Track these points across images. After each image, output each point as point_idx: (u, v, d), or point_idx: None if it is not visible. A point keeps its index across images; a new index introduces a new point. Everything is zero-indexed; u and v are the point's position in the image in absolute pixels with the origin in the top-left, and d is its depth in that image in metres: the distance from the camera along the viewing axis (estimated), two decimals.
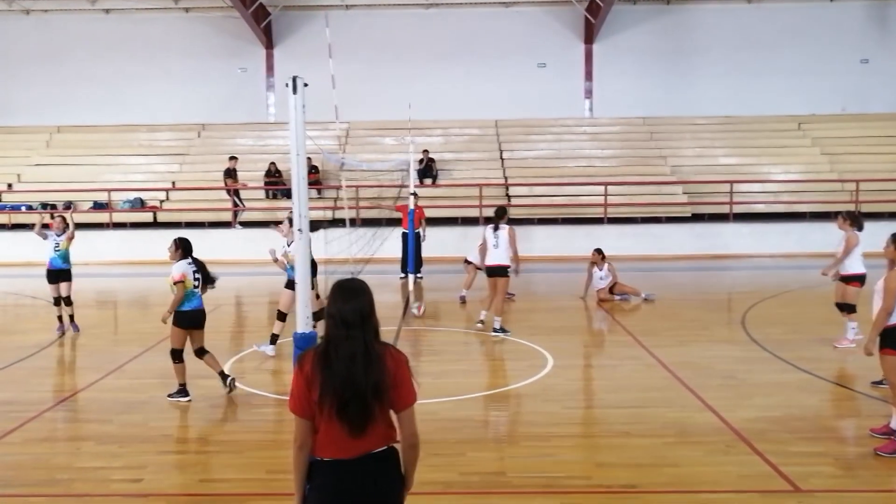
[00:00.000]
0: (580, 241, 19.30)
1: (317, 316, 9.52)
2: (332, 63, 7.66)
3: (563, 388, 8.26)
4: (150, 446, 6.48)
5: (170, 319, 7.64)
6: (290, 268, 9.05)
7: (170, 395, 7.80)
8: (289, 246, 9.26)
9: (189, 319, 7.70)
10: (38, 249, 17.93)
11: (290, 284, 9.16)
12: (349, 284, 3.44)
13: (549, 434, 6.70)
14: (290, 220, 9.04)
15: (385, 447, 3.36)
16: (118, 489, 5.60)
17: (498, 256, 10.52)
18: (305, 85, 3.90)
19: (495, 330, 10.59)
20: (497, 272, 10.59)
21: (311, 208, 16.67)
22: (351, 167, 10.28)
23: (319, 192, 20.79)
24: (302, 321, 4.09)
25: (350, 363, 3.25)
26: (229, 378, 7.97)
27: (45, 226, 10.98)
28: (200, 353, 7.96)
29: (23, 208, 20.69)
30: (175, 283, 7.56)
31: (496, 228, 10.54)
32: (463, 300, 13.38)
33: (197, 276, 7.72)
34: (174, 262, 7.73)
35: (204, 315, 7.90)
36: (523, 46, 24.50)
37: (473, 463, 6.04)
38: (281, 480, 5.65)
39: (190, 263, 7.75)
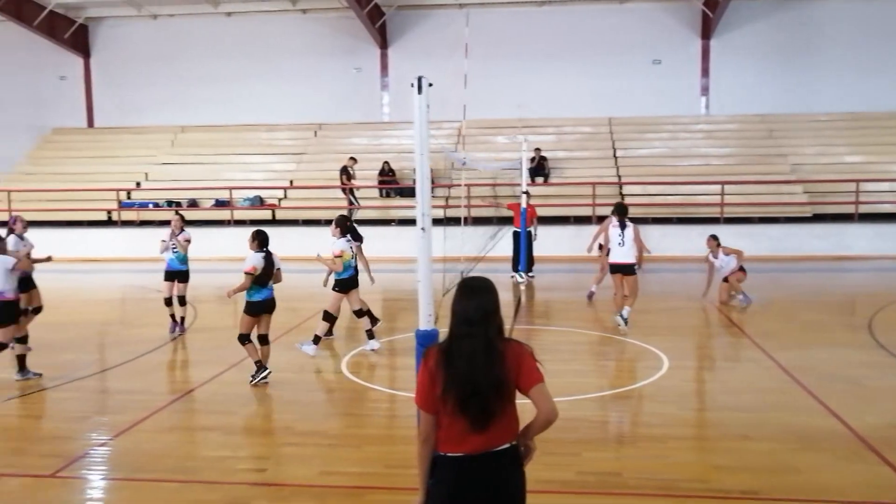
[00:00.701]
0: (695, 240, 18.68)
1: (358, 314, 9.75)
2: (454, 61, 7.71)
3: (678, 390, 8.04)
4: (272, 438, 6.69)
5: (242, 301, 8.29)
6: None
7: (252, 378, 8.14)
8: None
9: (259, 308, 8.21)
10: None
11: (339, 285, 9.40)
12: (474, 282, 3.46)
13: (665, 436, 6.54)
14: (338, 222, 9.48)
15: (507, 444, 3.35)
16: (244, 478, 5.80)
17: (624, 254, 10.61)
18: (430, 85, 3.91)
19: (623, 318, 10.58)
20: (625, 269, 10.63)
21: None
22: (472, 166, 10.29)
23: (432, 190, 20.96)
24: (424, 318, 4.11)
25: (472, 360, 3.27)
26: (265, 373, 8.20)
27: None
28: (264, 339, 8.37)
29: (150, 205, 21.81)
30: (245, 273, 8.08)
31: (623, 226, 10.58)
32: (591, 297, 13.11)
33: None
34: (253, 252, 8.27)
35: (274, 304, 8.40)
36: (637, 43, 23.98)
37: (589, 463, 5.96)
38: (399, 475, 5.72)
39: (265, 256, 8.22)
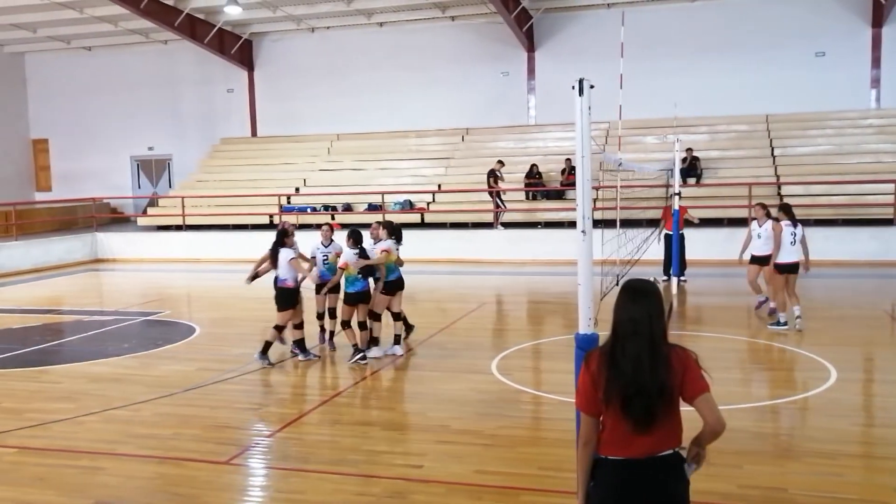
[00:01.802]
0: (864, 243, 17.66)
1: (396, 317, 9.92)
2: (602, 62, 7.66)
3: (849, 403, 7.60)
4: (429, 435, 6.87)
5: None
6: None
7: (350, 359, 9.20)
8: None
9: (356, 298, 9.34)
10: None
11: (386, 286, 9.69)
12: (638, 284, 3.43)
13: (836, 451, 6.19)
14: (384, 225, 10.04)
15: (671, 450, 3.31)
16: (402, 473, 6.00)
17: (795, 253, 10.67)
18: (592, 87, 3.92)
19: (796, 317, 10.62)
20: (794, 269, 10.70)
21: (565, 209, 16.68)
22: (627, 167, 10.16)
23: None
24: (584, 321, 4.12)
25: (636, 362, 3.25)
26: (359, 355, 9.23)
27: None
28: (362, 325, 9.46)
29: (308, 210, 22.85)
30: (339, 269, 9.30)
31: (795, 225, 10.70)
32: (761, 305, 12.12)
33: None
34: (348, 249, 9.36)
35: (369, 295, 9.52)
36: (798, 34, 22.72)
37: (752, 476, 5.73)
38: (553, 477, 5.74)
39: (356, 253, 9.24)
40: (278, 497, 5.84)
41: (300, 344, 9.71)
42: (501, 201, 21.09)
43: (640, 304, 3.33)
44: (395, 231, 9.89)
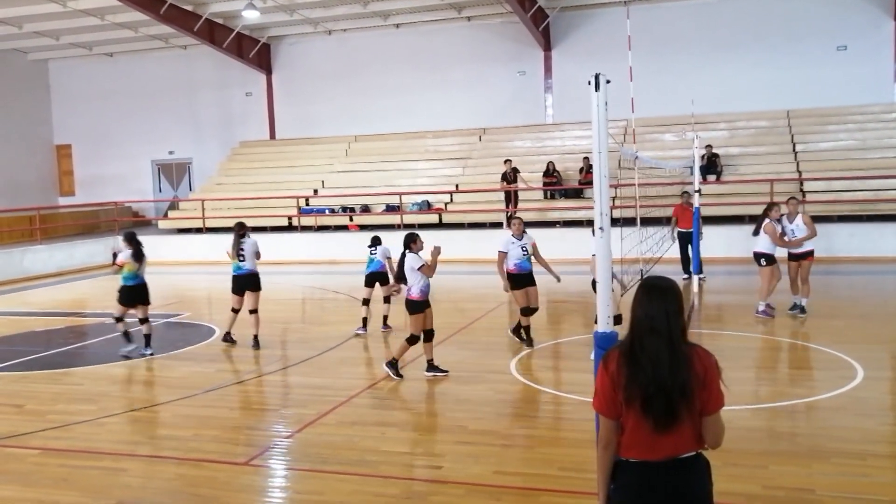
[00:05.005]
0: (889, 239, 17.38)
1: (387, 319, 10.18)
2: (619, 60, 7.58)
3: (877, 403, 7.46)
4: (448, 436, 6.83)
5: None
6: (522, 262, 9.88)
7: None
8: None
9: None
10: (345, 249, 19.86)
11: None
12: (657, 283, 3.36)
13: (864, 452, 6.07)
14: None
15: (694, 452, 3.23)
16: (421, 474, 5.97)
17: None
18: (608, 81, 3.86)
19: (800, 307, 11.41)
20: (801, 256, 11.32)
21: (583, 208, 16.58)
22: (644, 163, 10.07)
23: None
24: (603, 319, 4.06)
25: (656, 362, 3.17)
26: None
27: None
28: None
29: (326, 211, 22.91)
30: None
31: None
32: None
33: None
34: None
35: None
36: (819, 28, 22.45)
37: (777, 476, 5.63)
38: (572, 478, 5.68)
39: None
40: (297, 498, 5.83)
41: (431, 363, 8.85)
42: (513, 201, 20.90)
43: (657, 301, 3.25)
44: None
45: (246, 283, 10.71)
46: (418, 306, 8.56)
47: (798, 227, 11.28)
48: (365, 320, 11.31)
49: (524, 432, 6.86)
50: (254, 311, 10.58)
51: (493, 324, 11.96)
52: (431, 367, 8.76)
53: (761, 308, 11.36)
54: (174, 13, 23.17)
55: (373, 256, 11.25)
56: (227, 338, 10.83)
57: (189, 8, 23.74)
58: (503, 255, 9.87)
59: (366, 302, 11.38)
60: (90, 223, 26.14)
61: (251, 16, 23.67)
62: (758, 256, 11.33)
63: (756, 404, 7.32)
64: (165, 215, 26.30)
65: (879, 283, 14.91)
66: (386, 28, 26.20)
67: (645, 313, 3.26)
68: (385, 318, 11.45)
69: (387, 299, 11.42)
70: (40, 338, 12.14)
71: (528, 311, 9.93)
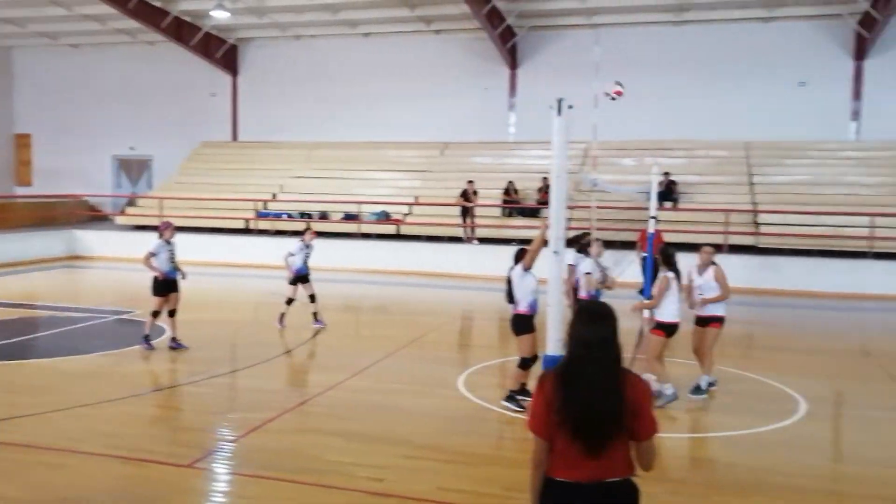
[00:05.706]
0: (839, 276, 17.71)
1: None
2: (583, 82, 7.69)
3: (818, 437, 7.60)
4: (392, 449, 6.79)
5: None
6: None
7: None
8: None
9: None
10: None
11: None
12: (593, 307, 3.44)
13: (804, 487, 6.15)
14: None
15: (621, 478, 3.28)
16: (362, 486, 5.93)
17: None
18: (570, 107, 3.90)
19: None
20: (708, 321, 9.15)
21: (539, 228, 16.49)
22: (602, 188, 10.14)
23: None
24: (553, 342, 4.08)
25: (589, 387, 3.23)
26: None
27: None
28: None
29: (284, 216, 22.74)
30: None
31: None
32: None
33: None
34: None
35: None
36: (781, 63, 22.95)
37: None
38: (516, 499, 5.67)
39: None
40: (238, 503, 5.76)
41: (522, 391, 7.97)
42: (469, 217, 21.00)
43: (594, 327, 3.31)
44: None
45: (175, 284, 10.78)
46: (527, 324, 7.16)
47: (707, 283, 9.08)
48: (283, 315, 12.06)
49: (469, 449, 6.85)
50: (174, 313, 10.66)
51: (444, 338, 11.98)
52: (513, 397, 7.88)
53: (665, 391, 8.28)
54: (143, 8, 22.89)
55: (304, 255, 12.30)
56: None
57: (158, 4, 23.47)
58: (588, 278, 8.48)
59: (290, 301, 12.15)
60: (46, 215, 25.53)
61: (220, 16, 23.46)
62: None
63: (699, 433, 7.41)
64: (123, 211, 25.84)
65: (827, 319, 15.24)
66: (354, 37, 26.18)
67: (581, 338, 3.31)
68: (315, 314, 12.10)
69: (312, 298, 12.10)
70: None
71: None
